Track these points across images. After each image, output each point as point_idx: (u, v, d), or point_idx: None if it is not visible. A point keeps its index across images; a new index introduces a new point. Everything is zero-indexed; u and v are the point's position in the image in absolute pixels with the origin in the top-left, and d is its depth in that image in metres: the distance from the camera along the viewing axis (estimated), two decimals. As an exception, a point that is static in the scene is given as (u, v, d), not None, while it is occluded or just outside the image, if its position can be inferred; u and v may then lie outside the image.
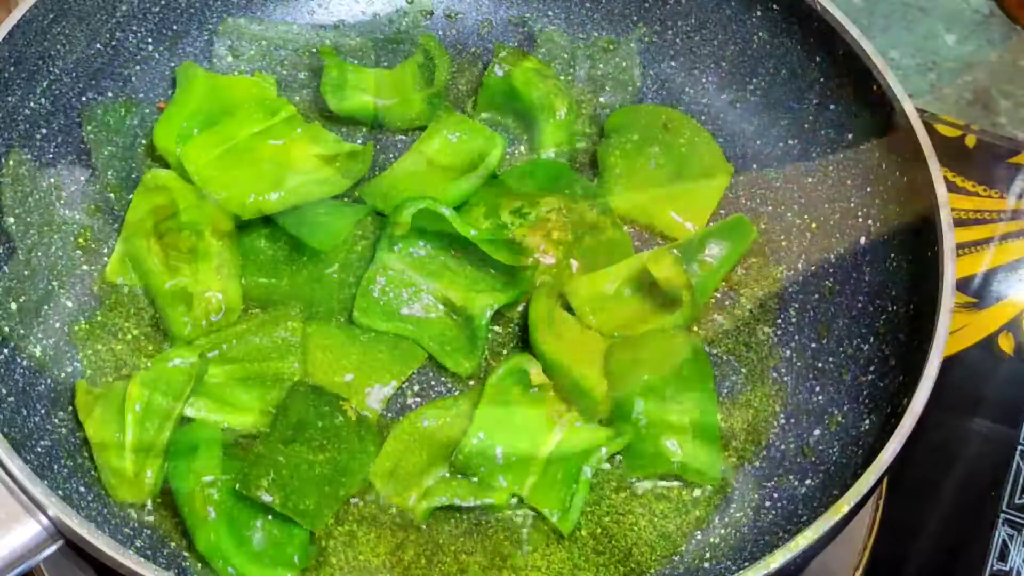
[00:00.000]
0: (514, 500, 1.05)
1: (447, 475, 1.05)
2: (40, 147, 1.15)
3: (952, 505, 1.18)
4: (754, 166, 1.25)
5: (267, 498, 0.97)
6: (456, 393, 1.11)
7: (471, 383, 1.11)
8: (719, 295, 1.18)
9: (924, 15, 1.51)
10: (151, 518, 1.02)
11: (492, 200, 1.18)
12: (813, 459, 1.07)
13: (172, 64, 1.26)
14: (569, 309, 1.13)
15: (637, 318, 1.14)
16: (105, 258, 1.15)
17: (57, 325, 1.10)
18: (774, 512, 1.05)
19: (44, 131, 1.15)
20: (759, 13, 1.24)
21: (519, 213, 1.16)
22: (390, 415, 1.10)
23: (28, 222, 1.12)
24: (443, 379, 1.12)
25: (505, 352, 1.13)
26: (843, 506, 0.93)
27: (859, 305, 1.13)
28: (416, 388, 1.11)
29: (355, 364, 1.10)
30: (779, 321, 1.16)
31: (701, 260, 1.15)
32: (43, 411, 1.04)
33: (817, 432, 1.09)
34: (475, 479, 1.05)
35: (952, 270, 1.02)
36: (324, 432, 1.03)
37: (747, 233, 1.18)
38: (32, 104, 1.14)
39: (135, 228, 1.14)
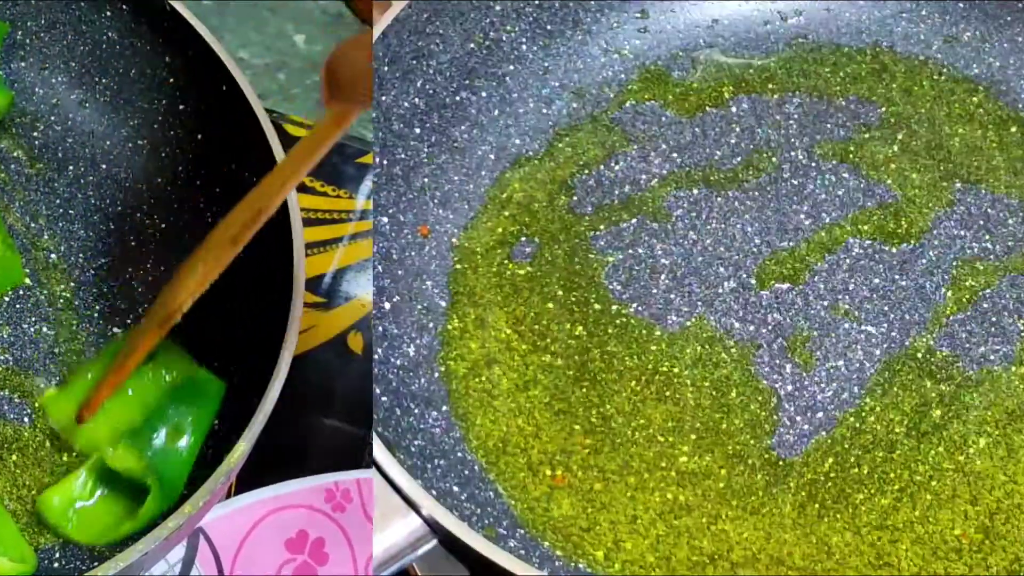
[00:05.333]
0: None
1: None
2: (414, 146, 1.14)
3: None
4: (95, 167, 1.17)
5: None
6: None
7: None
8: None
9: (273, 15, 1.50)
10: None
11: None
12: None
13: (547, 64, 1.23)
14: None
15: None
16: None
17: (431, 324, 1.08)
18: None
19: (418, 130, 1.15)
20: (109, 13, 1.18)
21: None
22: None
23: (402, 221, 1.11)
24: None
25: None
26: None
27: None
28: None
29: None
30: None
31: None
32: (417, 411, 1.02)
33: None
34: None
35: (303, 270, 1.00)
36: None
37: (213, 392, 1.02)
38: (406, 103, 1.14)
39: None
